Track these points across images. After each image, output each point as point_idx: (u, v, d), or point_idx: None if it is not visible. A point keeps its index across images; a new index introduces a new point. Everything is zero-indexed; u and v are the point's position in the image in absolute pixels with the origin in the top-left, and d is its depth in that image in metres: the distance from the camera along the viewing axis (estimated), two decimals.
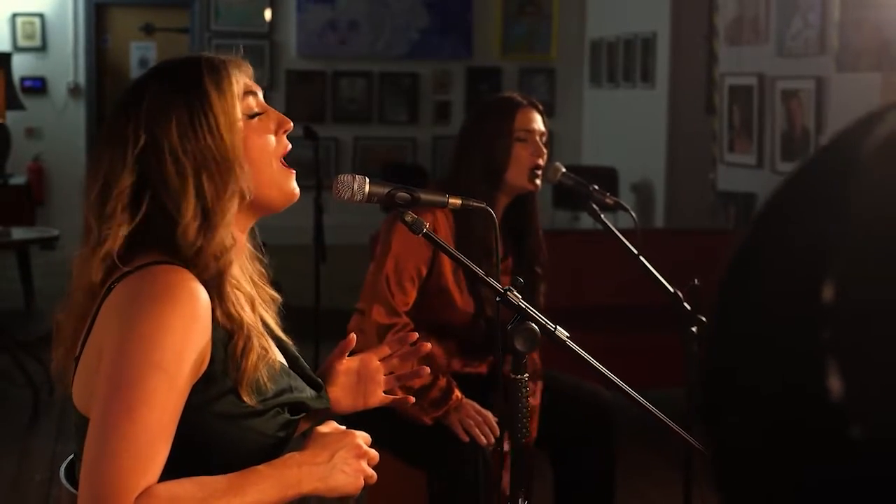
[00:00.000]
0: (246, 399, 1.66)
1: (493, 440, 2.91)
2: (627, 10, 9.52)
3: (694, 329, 2.78)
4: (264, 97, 1.82)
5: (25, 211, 8.45)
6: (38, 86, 10.14)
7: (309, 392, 1.82)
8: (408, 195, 2.03)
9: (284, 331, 1.87)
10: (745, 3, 7.00)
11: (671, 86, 8.77)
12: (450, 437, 2.91)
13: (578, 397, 3.18)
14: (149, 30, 10.52)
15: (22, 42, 10.08)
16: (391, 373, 2.05)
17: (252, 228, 1.83)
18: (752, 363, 0.56)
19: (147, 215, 1.67)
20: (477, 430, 2.91)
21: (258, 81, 1.81)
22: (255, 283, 1.82)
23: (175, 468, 1.58)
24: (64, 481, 1.81)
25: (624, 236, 2.92)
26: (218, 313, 1.65)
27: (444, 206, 2.11)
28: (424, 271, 2.99)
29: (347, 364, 2.01)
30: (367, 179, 2.00)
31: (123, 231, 1.66)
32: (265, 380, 1.69)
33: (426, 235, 2.02)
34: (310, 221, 5.35)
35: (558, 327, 2.05)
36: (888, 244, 0.53)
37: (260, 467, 1.65)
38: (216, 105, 1.70)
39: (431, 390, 2.89)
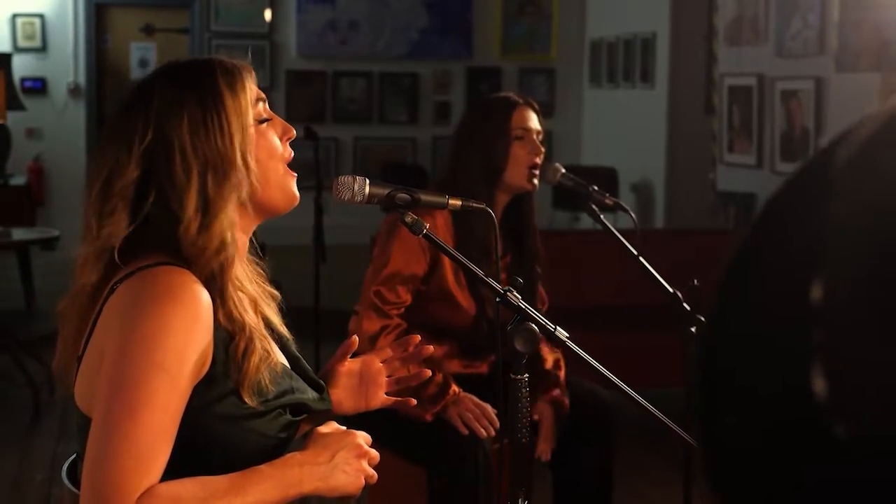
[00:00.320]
0: (247, 400, 1.67)
1: (492, 432, 2.92)
2: (627, 10, 9.52)
3: (693, 329, 2.79)
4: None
5: (26, 211, 8.44)
6: (38, 86, 10.14)
7: (311, 393, 1.82)
8: (408, 196, 2.04)
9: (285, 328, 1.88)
10: (745, 3, 7.00)
11: (671, 86, 8.77)
12: (449, 433, 2.92)
13: (578, 397, 3.18)
14: (149, 30, 10.52)
15: (22, 42, 10.07)
16: (391, 375, 2.05)
17: (253, 233, 1.84)
18: (751, 363, 0.57)
19: (149, 213, 1.67)
20: (476, 424, 2.91)
21: (258, 81, 1.81)
22: (255, 282, 1.82)
23: (177, 469, 1.59)
24: (66, 481, 1.82)
25: (624, 236, 2.92)
26: (220, 315, 1.66)
27: (445, 207, 2.11)
28: (421, 275, 2.99)
29: (349, 366, 2.02)
30: (368, 181, 2.00)
31: (124, 228, 1.66)
32: (267, 381, 1.69)
33: (426, 236, 2.02)
34: (310, 222, 5.35)
35: (558, 327, 2.05)
36: (874, 246, 0.53)
37: (261, 467, 1.66)
38: (229, 107, 1.70)
39: (428, 386, 2.89)
